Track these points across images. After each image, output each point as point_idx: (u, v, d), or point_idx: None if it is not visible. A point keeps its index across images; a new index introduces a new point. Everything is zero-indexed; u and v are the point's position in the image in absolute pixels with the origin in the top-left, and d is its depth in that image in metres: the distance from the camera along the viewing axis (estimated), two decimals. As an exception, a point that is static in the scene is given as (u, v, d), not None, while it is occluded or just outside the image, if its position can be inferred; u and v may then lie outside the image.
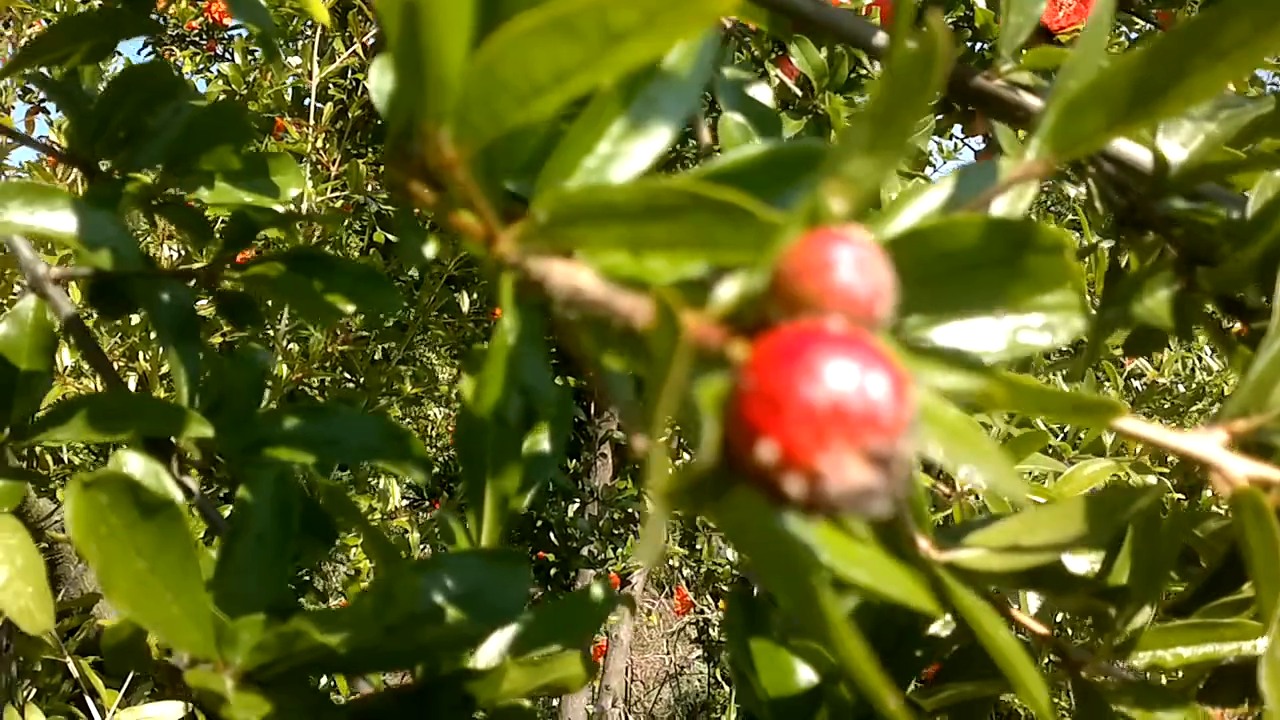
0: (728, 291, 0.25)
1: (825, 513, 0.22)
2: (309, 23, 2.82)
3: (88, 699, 1.71)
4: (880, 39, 0.59)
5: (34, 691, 1.95)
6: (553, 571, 4.28)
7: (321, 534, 0.65)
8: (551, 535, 4.25)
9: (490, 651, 0.68)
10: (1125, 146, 0.55)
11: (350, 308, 0.66)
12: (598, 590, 0.67)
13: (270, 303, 1.01)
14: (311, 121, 2.64)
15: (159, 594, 0.46)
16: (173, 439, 0.66)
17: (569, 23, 0.24)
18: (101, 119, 0.68)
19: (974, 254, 0.38)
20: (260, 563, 0.55)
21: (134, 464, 0.56)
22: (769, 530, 0.34)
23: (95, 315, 0.84)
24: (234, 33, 3.68)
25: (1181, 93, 0.36)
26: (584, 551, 4.24)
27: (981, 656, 0.42)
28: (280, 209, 0.70)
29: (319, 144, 2.74)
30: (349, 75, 2.88)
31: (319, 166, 2.79)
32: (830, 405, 0.21)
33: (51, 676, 1.93)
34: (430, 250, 0.39)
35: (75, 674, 1.68)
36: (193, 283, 0.68)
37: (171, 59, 3.85)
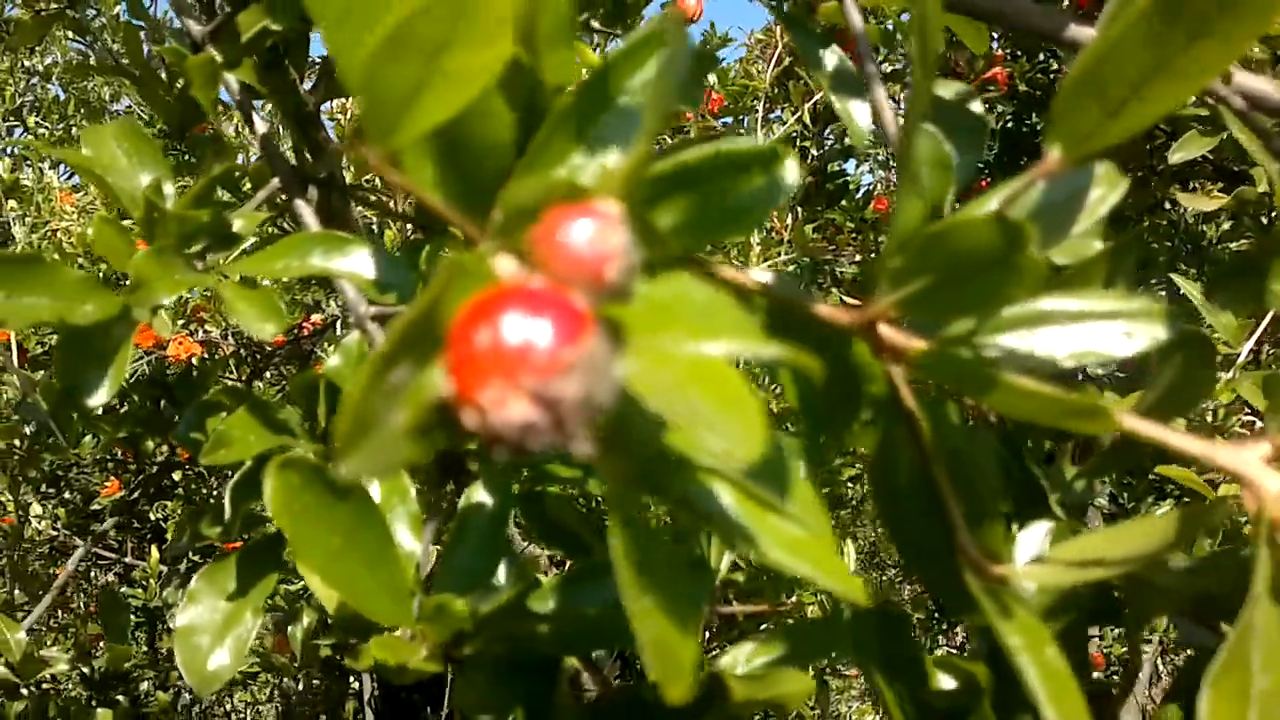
0: (505, 262, 0.28)
1: (502, 446, 0.24)
2: (756, 97, 2.97)
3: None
4: (1073, 31, 0.57)
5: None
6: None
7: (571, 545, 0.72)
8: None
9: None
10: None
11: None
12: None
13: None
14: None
15: (353, 567, 0.55)
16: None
17: (398, 38, 0.29)
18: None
19: (984, 253, 0.38)
20: (477, 555, 0.63)
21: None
22: (715, 515, 0.35)
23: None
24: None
25: (1178, 76, 0.33)
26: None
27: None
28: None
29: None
30: (795, 143, 3.00)
31: (771, 232, 2.93)
32: (489, 347, 0.24)
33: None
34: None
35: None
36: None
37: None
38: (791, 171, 0.36)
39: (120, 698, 2.08)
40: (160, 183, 0.65)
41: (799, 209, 2.82)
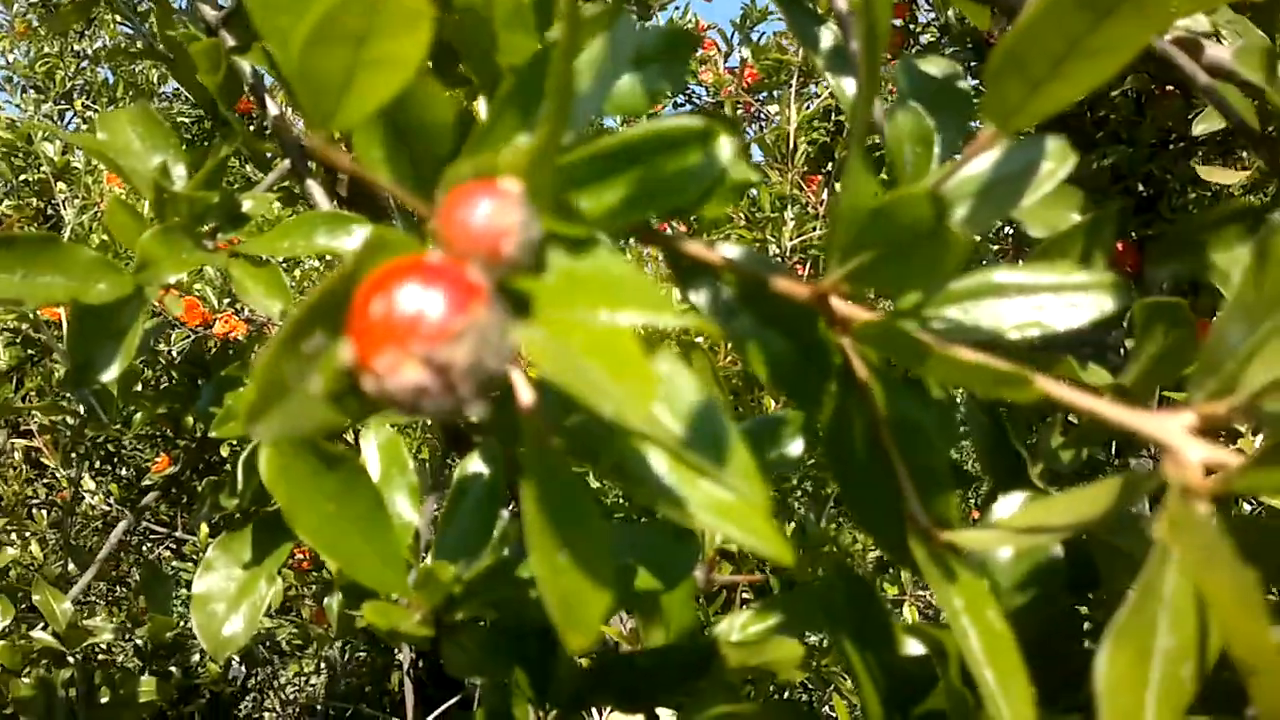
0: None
1: (395, 408, 0.26)
2: (790, 70, 2.96)
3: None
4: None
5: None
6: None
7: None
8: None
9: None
10: None
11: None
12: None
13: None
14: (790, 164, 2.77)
15: (347, 534, 0.57)
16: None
17: (324, 30, 0.31)
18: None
19: (920, 227, 0.39)
20: (472, 524, 0.65)
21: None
22: (647, 479, 0.37)
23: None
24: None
25: (1091, 54, 0.34)
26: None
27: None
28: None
29: (798, 183, 2.87)
30: (831, 117, 2.98)
31: (807, 208, 2.92)
32: (384, 316, 0.26)
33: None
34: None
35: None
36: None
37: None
38: (726, 148, 0.37)
39: (172, 668, 2.15)
40: (168, 165, 0.67)
41: (835, 184, 2.82)
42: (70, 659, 1.44)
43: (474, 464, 0.67)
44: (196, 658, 2.29)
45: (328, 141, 0.36)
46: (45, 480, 2.43)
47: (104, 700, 1.43)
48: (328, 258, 2.13)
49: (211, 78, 0.75)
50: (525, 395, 0.32)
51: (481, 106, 0.50)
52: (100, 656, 2.07)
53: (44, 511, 2.39)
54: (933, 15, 2.86)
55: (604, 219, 0.36)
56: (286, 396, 0.27)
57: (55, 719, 1.43)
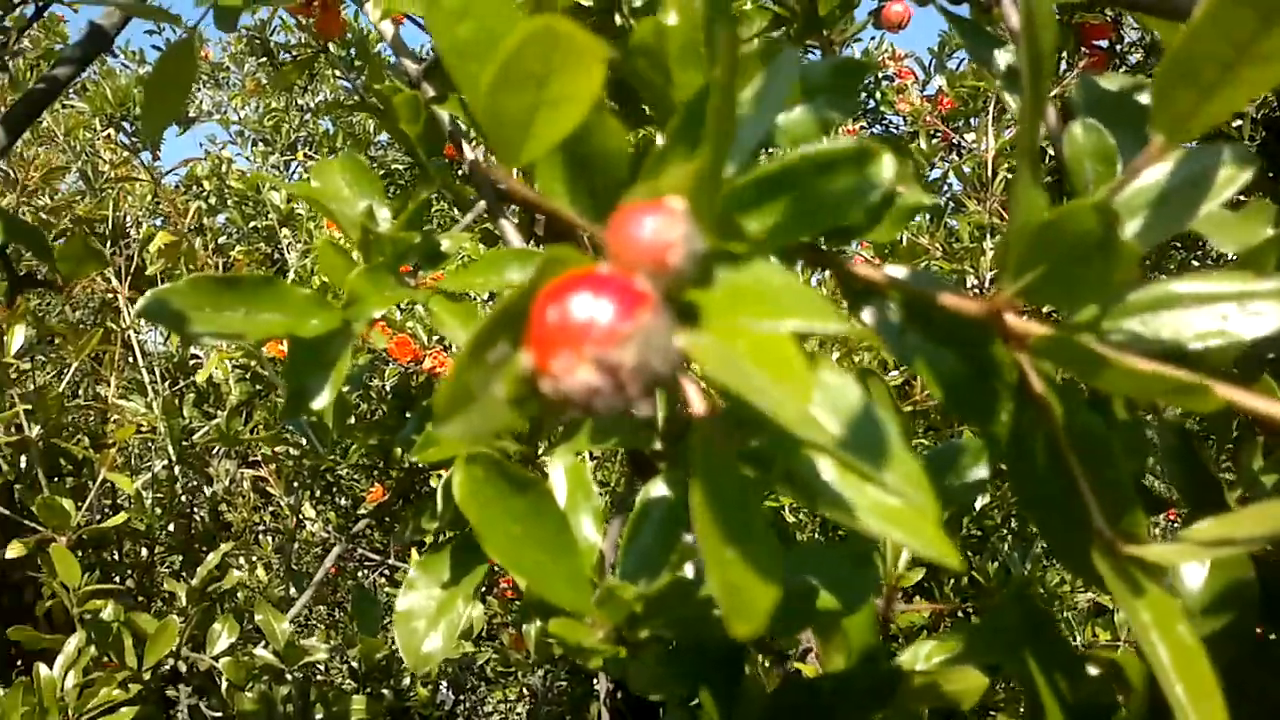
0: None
1: (571, 408, 0.29)
2: (986, 97, 2.92)
3: None
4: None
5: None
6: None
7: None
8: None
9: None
10: None
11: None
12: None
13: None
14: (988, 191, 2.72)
15: (534, 553, 0.60)
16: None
17: (507, 73, 0.34)
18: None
19: (1090, 239, 0.39)
20: (654, 545, 0.67)
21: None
22: (816, 486, 0.38)
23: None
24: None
25: (1259, 59, 0.34)
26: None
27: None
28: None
29: (997, 211, 2.81)
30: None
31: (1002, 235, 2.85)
32: (559, 322, 0.28)
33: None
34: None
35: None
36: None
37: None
38: (886, 168, 0.38)
39: (385, 690, 2.26)
40: (373, 209, 0.72)
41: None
42: (288, 676, 1.53)
43: (657, 488, 0.69)
44: (407, 681, 2.39)
45: (512, 176, 0.39)
46: (271, 508, 2.61)
47: (319, 716, 1.51)
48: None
49: (412, 127, 0.80)
50: (698, 403, 0.34)
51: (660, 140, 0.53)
52: (318, 676, 2.18)
53: (269, 537, 2.56)
54: (1139, 34, 2.77)
55: (766, 239, 0.37)
56: (472, 402, 0.30)
57: (275, 732, 1.52)
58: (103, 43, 1.12)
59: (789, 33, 1.13)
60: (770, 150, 0.57)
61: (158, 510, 2.31)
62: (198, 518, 2.41)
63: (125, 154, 3.54)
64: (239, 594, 2.20)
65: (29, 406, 1.65)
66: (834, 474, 0.38)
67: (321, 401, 0.67)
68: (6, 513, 1.66)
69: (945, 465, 0.70)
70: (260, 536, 2.58)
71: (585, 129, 0.38)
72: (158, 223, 3.05)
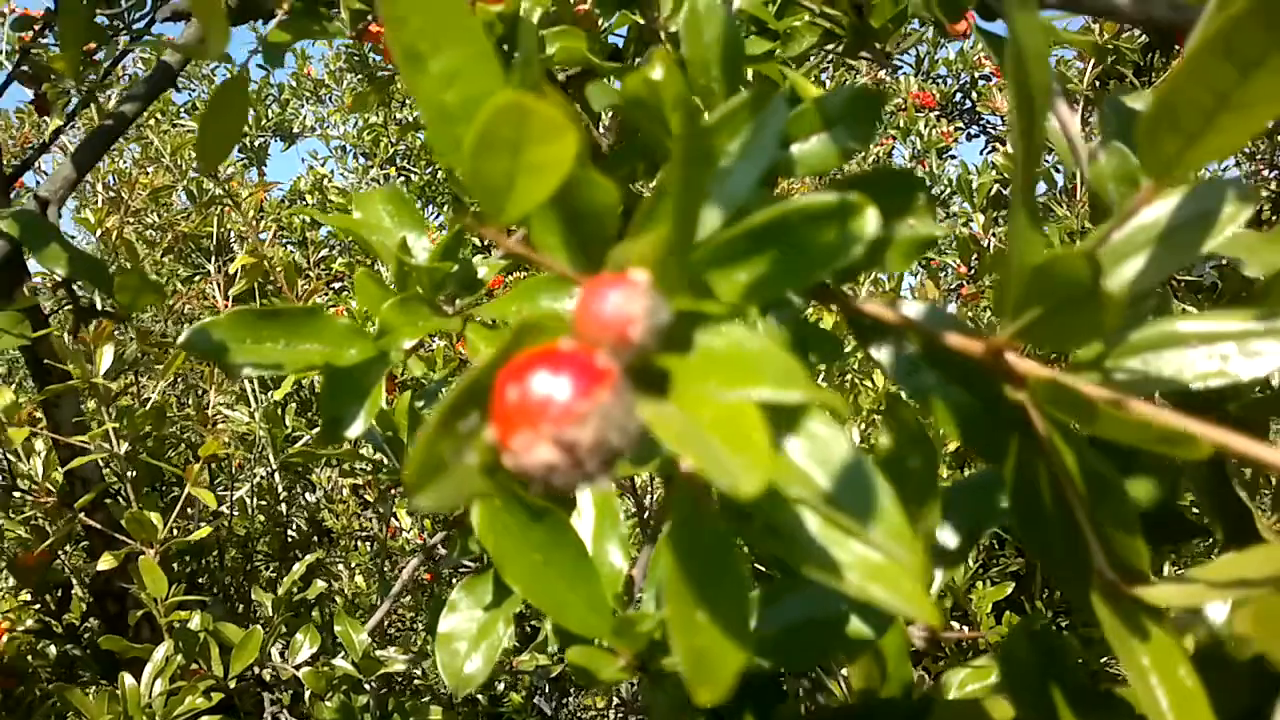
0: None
1: (530, 482, 0.30)
2: (1075, 99, 2.87)
3: None
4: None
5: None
6: None
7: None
8: None
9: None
10: None
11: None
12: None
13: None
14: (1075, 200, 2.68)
15: (554, 582, 0.61)
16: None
17: (484, 139, 0.35)
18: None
19: (1080, 286, 0.39)
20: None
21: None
22: (800, 540, 0.39)
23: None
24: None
25: (1240, 107, 0.33)
26: None
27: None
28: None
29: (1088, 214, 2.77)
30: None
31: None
32: (518, 400, 0.29)
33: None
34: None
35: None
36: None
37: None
38: (870, 222, 0.39)
39: (479, 696, 2.29)
40: (411, 239, 0.74)
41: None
42: (367, 686, 1.56)
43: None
44: (499, 687, 2.42)
45: (501, 233, 0.40)
46: (368, 515, 2.67)
47: (398, 726, 1.55)
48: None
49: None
50: (685, 460, 0.35)
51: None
52: (414, 682, 2.22)
53: (367, 545, 2.62)
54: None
55: (746, 296, 0.38)
56: (444, 471, 0.31)
57: (353, 741, 1.56)
58: (169, 79, 1.16)
59: (838, 48, 1.12)
60: (791, 180, 0.58)
61: (259, 518, 2.37)
62: (295, 525, 2.48)
63: (230, 171, 3.64)
64: (337, 600, 2.26)
65: (117, 425, 1.71)
66: (816, 527, 0.38)
67: (356, 430, 0.69)
68: (98, 525, 1.72)
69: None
70: (359, 544, 2.64)
71: (571, 186, 0.39)
72: (265, 236, 3.13)
